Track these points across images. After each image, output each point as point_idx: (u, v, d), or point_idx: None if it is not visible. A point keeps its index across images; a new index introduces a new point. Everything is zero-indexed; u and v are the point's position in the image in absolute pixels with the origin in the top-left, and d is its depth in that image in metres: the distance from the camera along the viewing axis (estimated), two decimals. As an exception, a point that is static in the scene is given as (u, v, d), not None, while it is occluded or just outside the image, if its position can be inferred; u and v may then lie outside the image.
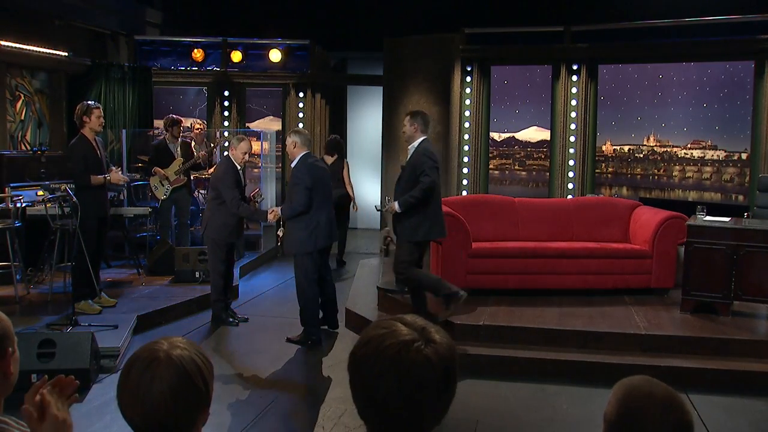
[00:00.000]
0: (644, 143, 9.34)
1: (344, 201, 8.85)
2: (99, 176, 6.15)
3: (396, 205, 5.52)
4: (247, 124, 11.53)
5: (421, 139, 5.62)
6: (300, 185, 5.81)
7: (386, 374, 1.21)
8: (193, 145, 8.83)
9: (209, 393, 1.47)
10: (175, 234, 8.37)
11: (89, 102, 6.32)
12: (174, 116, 8.52)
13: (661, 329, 5.59)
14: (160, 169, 8.09)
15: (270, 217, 6.11)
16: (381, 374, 1.22)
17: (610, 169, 9.62)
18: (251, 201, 6.45)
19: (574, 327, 5.65)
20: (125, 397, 1.42)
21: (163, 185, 8.12)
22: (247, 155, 6.32)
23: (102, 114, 6.25)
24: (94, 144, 6.23)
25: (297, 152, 5.93)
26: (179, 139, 8.39)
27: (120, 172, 6.72)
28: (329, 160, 8.93)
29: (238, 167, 6.28)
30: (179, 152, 8.26)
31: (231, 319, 6.49)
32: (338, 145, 9.12)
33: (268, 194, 10.37)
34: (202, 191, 9.41)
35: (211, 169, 8.54)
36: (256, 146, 11.36)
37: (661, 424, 1.43)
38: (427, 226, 5.57)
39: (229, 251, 6.46)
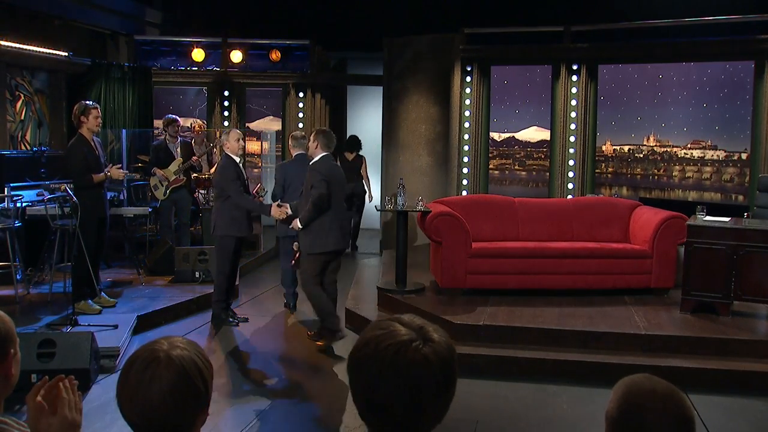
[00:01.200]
0: (644, 143, 9.33)
1: (359, 193, 9.98)
2: (99, 174, 6.15)
3: (297, 223, 5.75)
4: (247, 124, 11.52)
5: (320, 155, 5.78)
6: (276, 182, 6.66)
7: (385, 375, 1.21)
8: (193, 144, 8.83)
9: (209, 393, 1.47)
10: (175, 234, 8.37)
11: (87, 102, 6.30)
12: (170, 116, 8.54)
13: (661, 329, 5.59)
14: (159, 169, 8.10)
15: (274, 212, 6.15)
16: (380, 375, 1.22)
17: (610, 169, 9.62)
18: (255, 196, 6.56)
19: (574, 327, 5.65)
20: (125, 397, 1.42)
21: (162, 185, 8.12)
22: (240, 141, 6.43)
23: (99, 114, 6.23)
24: (93, 144, 6.21)
25: (292, 152, 6.81)
26: (179, 139, 8.39)
27: (120, 168, 6.72)
28: (350, 156, 10.05)
29: (237, 159, 6.34)
30: (179, 152, 8.26)
31: (231, 319, 6.48)
32: (357, 143, 10.15)
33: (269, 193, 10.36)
34: (202, 191, 9.40)
35: (212, 169, 8.56)
36: (256, 146, 11.37)
37: (662, 419, 1.44)
38: (322, 239, 5.68)
39: (236, 251, 6.37)
